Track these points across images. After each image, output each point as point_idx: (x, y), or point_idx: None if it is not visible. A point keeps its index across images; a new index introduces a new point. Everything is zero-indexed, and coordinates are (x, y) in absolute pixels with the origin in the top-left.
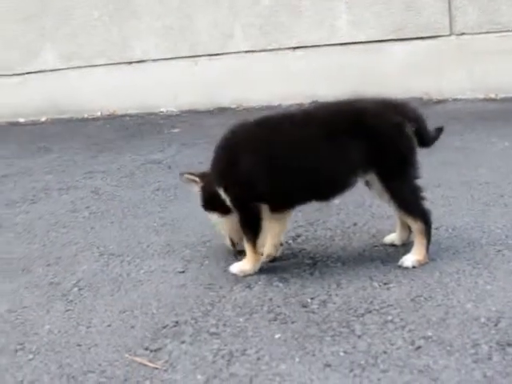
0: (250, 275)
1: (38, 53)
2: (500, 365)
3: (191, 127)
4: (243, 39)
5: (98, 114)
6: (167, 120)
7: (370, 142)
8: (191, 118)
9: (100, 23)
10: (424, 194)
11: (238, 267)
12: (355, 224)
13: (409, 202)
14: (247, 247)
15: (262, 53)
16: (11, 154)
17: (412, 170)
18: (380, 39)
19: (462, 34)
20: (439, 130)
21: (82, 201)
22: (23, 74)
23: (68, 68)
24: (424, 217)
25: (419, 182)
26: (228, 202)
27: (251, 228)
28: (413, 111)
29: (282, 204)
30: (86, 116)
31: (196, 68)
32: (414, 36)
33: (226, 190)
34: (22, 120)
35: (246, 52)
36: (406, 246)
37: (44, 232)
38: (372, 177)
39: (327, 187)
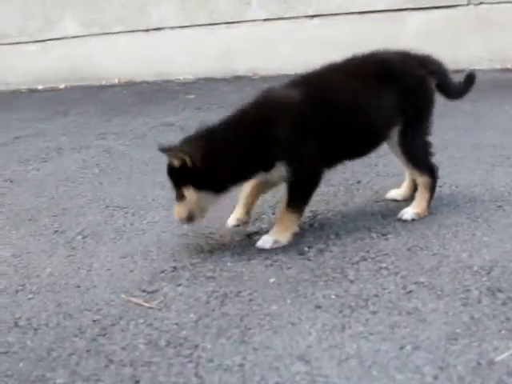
0: (284, 246)
1: (57, 20)
2: (488, 308)
3: (206, 94)
4: (260, 7)
5: (116, 80)
6: (183, 87)
7: (398, 93)
8: (207, 85)
9: None
10: (433, 150)
11: (270, 240)
12: (359, 181)
13: (418, 155)
14: (290, 216)
15: (280, 21)
16: (28, 117)
17: (427, 124)
18: (398, 8)
19: (480, 3)
20: (469, 80)
21: (92, 159)
22: (43, 41)
23: (87, 35)
24: (431, 171)
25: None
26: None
27: (308, 194)
28: (436, 64)
29: (334, 160)
30: (103, 83)
31: (213, 36)
32: (432, 5)
33: (286, 155)
34: (40, 87)
35: (264, 20)
36: (407, 202)
37: (53, 186)
38: (394, 129)
39: (373, 139)
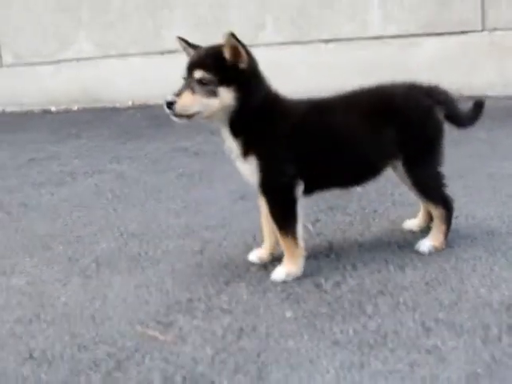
0: (299, 277)
1: (72, 42)
2: (509, 347)
3: None
4: (275, 31)
5: (130, 103)
6: None
7: (399, 126)
8: None
9: (134, 13)
10: (446, 181)
11: (282, 272)
12: (375, 210)
13: (431, 188)
14: (287, 241)
15: (294, 45)
16: (41, 139)
17: (437, 156)
18: (412, 33)
19: (495, 29)
20: (478, 107)
21: (106, 184)
22: (58, 62)
23: (101, 57)
24: (445, 203)
25: (443, 170)
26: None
27: (289, 215)
28: (443, 94)
29: (318, 185)
30: (117, 105)
31: None
32: (446, 31)
33: (264, 161)
34: (54, 108)
35: (278, 44)
36: (424, 233)
37: (67, 212)
38: (399, 161)
39: (363, 171)
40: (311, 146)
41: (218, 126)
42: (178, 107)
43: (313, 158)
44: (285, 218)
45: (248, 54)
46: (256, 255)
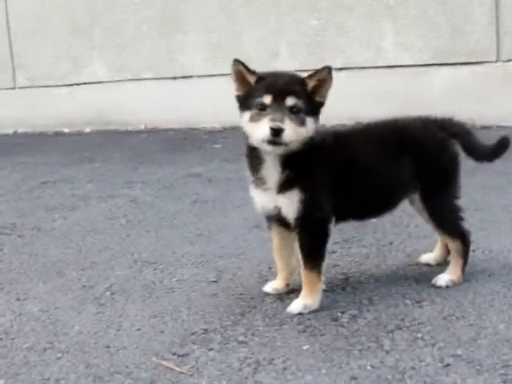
0: (316, 310)
1: (86, 65)
2: None
3: (233, 143)
4: (289, 58)
5: (142, 127)
6: (209, 135)
7: (414, 159)
8: (234, 134)
9: (148, 37)
10: (463, 214)
11: (299, 305)
12: (391, 243)
13: (448, 221)
14: (311, 276)
15: (308, 72)
16: (54, 162)
17: (453, 188)
18: (426, 63)
19: (509, 60)
20: (503, 144)
21: (119, 209)
22: (71, 84)
23: (114, 80)
24: (462, 237)
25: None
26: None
27: (320, 250)
28: (458, 126)
29: (342, 216)
30: (129, 128)
31: None
32: (460, 61)
33: (307, 195)
34: (66, 130)
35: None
36: (441, 266)
37: (80, 237)
38: (415, 194)
39: (384, 203)
40: (339, 178)
41: (265, 155)
42: (286, 136)
43: (340, 190)
44: (316, 253)
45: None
46: (271, 286)
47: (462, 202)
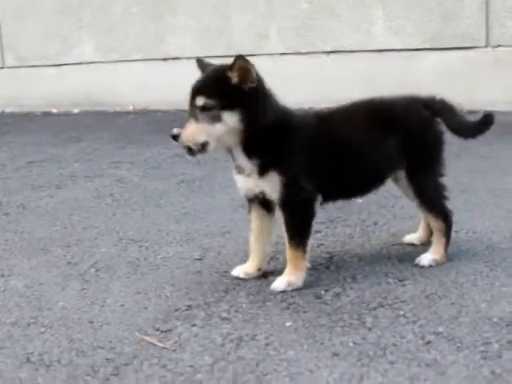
0: (299, 288)
1: (75, 45)
2: (509, 363)
3: None
4: (278, 41)
5: (131, 108)
6: None
7: (399, 137)
8: None
9: (137, 18)
10: (447, 193)
11: (283, 282)
12: (376, 223)
13: (432, 198)
14: (296, 254)
15: (297, 55)
16: (42, 141)
17: (438, 166)
18: (415, 47)
19: (498, 46)
20: (486, 121)
21: (106, 188)
22: (60, 65)
23: (104, 61)
24: (445, 216)
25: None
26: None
27: (306, 229)
28: (441, 104)
29: (328, 196)
30: (118, 109)
31: None
32: (450, 46)
33: (286, 177)
34: (55, 110)
35: (281, 54)
36: (424, 246)
37: (66, 216)
38: (400, 172)
39: (370, 181)
40: (324, 158)
41: (229, 147)
42: (183, 138)
43: (326, 169)
44: (301, 232)
45: (257, 74)
46: (243, 270)
47: (448, 184)
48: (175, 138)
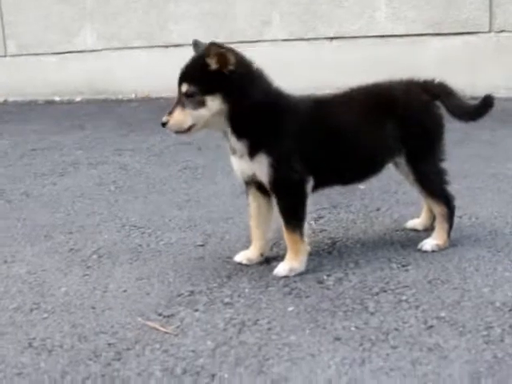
0: (302, 273)
1: (77, 33)
2: (511, 347)
3: None
4: (281, 27)
5: (133, 95)
6: None
7: (398, 122)
8: None
9: (139, 6)
10: (448, 177)
11: (285, 267)
12: (378, 209)
13: (433, 183)
14: (294, 237)
15: (299, 41)
16: (44, 129)
17: (438, 151)
18: (418, 33)
19: (502, 31)
20: (486, 103)
21: (109, 175)
22: (61, 53)
23: (106, 49)
24: (447, 201)
25: (446, 167)
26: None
27: (299, 212)
28: (440, 87)
29: (323, 181)
30: (120, 97)
31: None
32: (453, 31)
33: (275, 159)
34: (57, 99)
35: (283, 40)
36: (427, 232)
37: (69, 202)
38: (400, 157)
39: (367, 167)
40: (317, 141)
41: (220, 129)
42: (171, 126)
43: (319, 153)
44: (295, 214)
45: (238, 56)
46: (245, 256)
47: (450, 170)
48: (164, 125)
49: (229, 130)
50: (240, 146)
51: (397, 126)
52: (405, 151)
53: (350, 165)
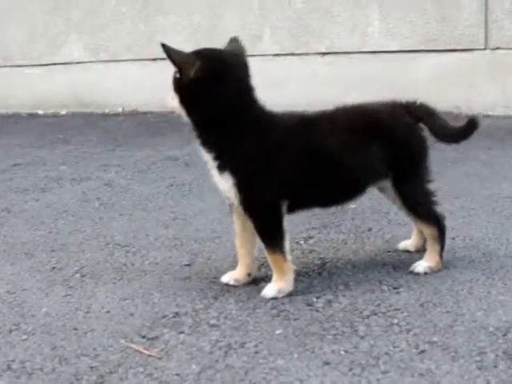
0: (290, 293)
1: (63, 44)
2: (505, 374)
3: None
4: (272, 42)
5: (120, 109)
6: None
7: (384, 146)
8: None
9: (127, 18)
10: (436, 198)
11: (273, 288)
12: (370, 229)
13: (421, 206)
14: (275, 257)
15: (290, 56)
16: (27, 143)
17: (424, 173)
18: (412, 49)
19: (497, 48)
20: (471, 126)
21: (93, 192)
22: (46, 65)
23: (92, 61)
24: (437, 222)
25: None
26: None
27: (275, 231)
28: (423, 108)
29: (302, 203)
30: (107, 111)
31: None
32: (448, 48)
33: (240, 179)
34: (41, 112)
35: (274, 55)
36: (420, 253)
37: (52, 219)
38: (386, 181)
39: (347, 190)
40: (293, 163)
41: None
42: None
43: (295, 175)
44: (271, 235)
45: (203, 63)
46: (232, 277)
47: (444, 189)
48: None
49: (196, 137)
50: (209, 159)
51: (382, 150)
52: (391, 175)
53: (331, 188)
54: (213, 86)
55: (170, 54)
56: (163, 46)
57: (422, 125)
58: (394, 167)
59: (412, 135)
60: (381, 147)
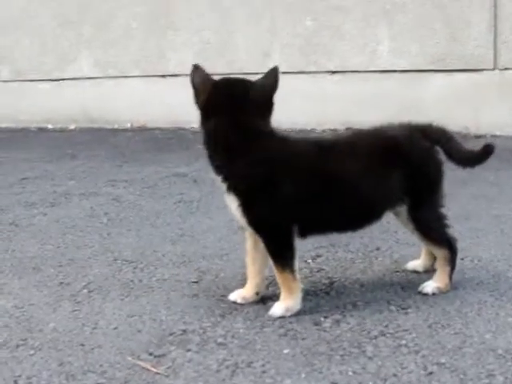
0: (298, 312)
1: (73, 60)
2: None
3: None
4: (281, 59)
5: (128, 125)
6: (197, 135)
7: (402, 171)
8: None
9: (138, 34)
10: (448, 221)
11: (281, 307)
12: (378, 248)
13: (435, 230)
14: (284, 276)
15: (300, 74)
16: (36, 157)
17: (439, 197)
18: (421, 69)
19: (506, 68)
20: (487, 151)
21: (101, 207)
22: (57, 80)
23: (102, 77)
24: (449, 244)
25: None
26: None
27: (285, 251)
28: (439, 132)
29: (315, 228)
30: (115, 126)
31: None
32: (457, 68)
33: (246, 202)
34: (50, 126)
35: (283, 73)
36: (428, 274)
37: (60, 234)
38: (402, 206)
39: (362, 217)
40: (304, 188)
41: None
42: None
43: (305, 201)
44: (281, 254)
45: (213, 87)
46: (240, 295)
47: (453, 211)
48: None
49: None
50: (217, 180)
51: (400, 175)
52: (407, 200)
53: (345, 213)
54: (219, 113)
55: (193, 74)
56: (194, 66)
57: (438, 148)
58: (411, 192)
59: (430, 159)
60: (399, 172)
